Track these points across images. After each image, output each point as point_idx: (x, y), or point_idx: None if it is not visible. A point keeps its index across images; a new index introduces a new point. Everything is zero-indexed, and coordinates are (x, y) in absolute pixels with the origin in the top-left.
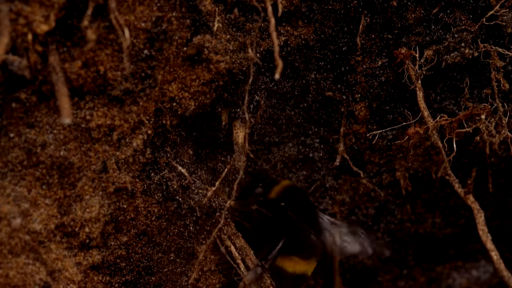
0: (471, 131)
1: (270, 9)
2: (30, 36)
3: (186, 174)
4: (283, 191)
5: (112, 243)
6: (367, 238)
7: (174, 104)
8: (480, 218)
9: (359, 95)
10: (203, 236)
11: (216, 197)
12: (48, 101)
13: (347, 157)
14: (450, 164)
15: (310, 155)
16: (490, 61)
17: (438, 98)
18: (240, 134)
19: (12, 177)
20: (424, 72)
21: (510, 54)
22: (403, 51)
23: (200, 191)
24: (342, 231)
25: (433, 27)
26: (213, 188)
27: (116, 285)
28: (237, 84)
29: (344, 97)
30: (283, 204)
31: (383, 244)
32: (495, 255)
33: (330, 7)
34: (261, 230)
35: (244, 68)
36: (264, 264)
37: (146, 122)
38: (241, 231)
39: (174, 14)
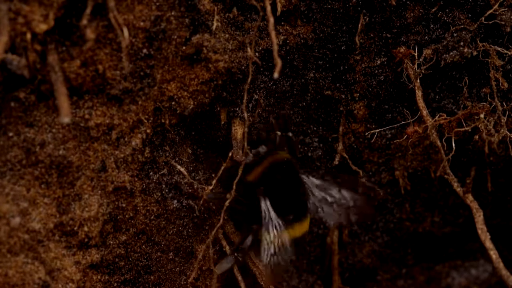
0: (470, 130)
1: (269, 8)
2: (29, 35)
3: (185, 173)
4: (261, 173)
5: (111, 242)
6: (359, 191)
7: (173, 103)
8: (479, 217)
9: (358, 94)
10: (202, 235)
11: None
12: (47, 100)
13: (346, 156)
14: (449, 163)
15: (309, 154)
16: (489, 60)
17: (437, 97)
18: (239, 130)
19: (11, 176)
20: (423, 71)
21: (509, 53)
22: (402, 50)
23: (199, 190)
24: (330, 193)
25: (432, 26)
26: (210, 187)
27: (115, 284)
28: (236, 83)
29: (343, 96)
30: (262, 187)
31: (373, 189)
32: (494, 254)
33: (329, 6)
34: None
35: (243, 67)
36: (239, 256)
37: (145, 121)
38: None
39: (173, 13)
